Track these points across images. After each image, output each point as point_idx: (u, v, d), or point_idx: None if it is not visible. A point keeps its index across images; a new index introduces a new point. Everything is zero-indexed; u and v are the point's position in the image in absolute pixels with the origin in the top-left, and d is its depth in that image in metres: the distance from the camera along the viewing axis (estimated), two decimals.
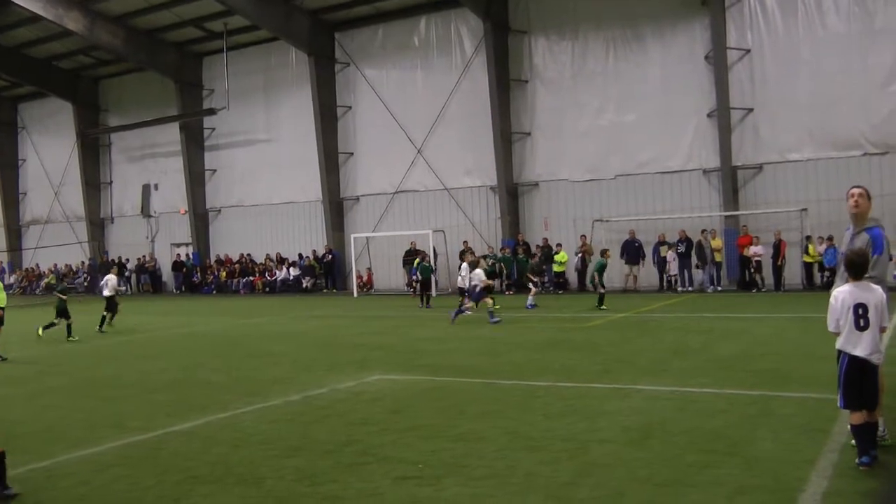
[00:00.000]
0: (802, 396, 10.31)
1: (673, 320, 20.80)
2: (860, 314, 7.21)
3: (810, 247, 27.98)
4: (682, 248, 30.46)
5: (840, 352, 7.40)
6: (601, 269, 24.60)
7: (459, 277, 24.75)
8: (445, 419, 9.92)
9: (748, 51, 29.96)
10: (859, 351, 7.22)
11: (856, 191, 8.09)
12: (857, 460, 7.21)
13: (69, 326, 21.46)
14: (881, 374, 7.55)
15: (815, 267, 28.34)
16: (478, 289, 22.46)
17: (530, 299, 26.02)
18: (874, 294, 7.32)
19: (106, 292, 24.12)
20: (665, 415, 9.65)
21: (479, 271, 23.06)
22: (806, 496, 6.58)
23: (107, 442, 9.38)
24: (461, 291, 24.47)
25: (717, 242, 29.90)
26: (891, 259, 7.81)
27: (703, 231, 30.11)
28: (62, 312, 21.56)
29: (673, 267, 30.52)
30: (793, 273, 28.81)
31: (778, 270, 28.67)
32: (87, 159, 48.41)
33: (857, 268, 7.35)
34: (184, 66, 43.52)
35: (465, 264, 24.41)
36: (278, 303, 32.71)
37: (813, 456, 7.62)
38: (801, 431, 8.56)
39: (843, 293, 7.36)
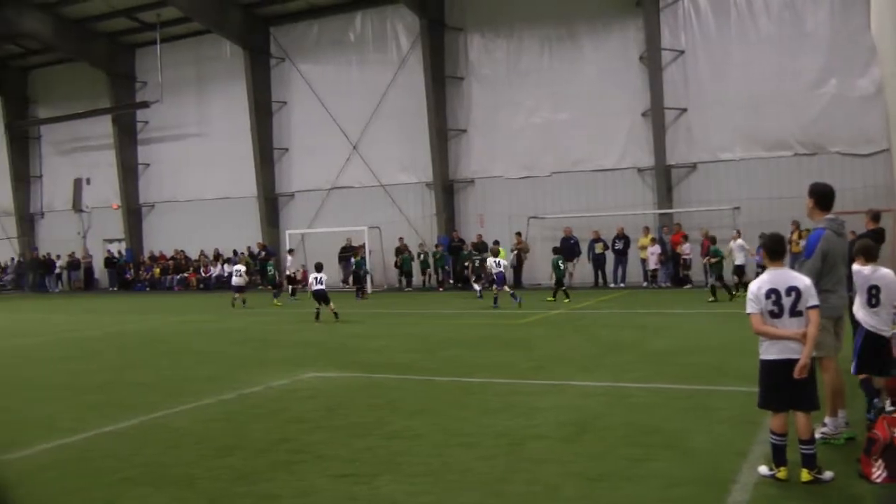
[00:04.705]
0: (734, 390, 10.46)
1: (607, 316, 21.00)
2: (873, 294, 8.05)
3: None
4: (619, 245, 30.82)
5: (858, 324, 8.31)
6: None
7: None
8: (380, 416, 9.89)
9: (682, 52, 30.36)
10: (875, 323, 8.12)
11: None
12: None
13: None
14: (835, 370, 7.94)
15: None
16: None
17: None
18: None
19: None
20: (599, 410, 9.72)
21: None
22: (738, 487, 6.70)
23: (36, 444, 9.13)
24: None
25: (645, 241, 30.26)
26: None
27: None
28: None
29: (652, 261, 30.34)
30: (726, 270, 29.14)
31: (705, 267, 28.91)
32: (16, 152, 47.21)
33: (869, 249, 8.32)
34: (116, 57, 42.71)
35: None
36: (212, 300, 32.30)
37: (745, 447, 7.75)
38: (734, 424, 8.72)
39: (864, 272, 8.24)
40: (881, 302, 8.02)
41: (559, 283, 25.80)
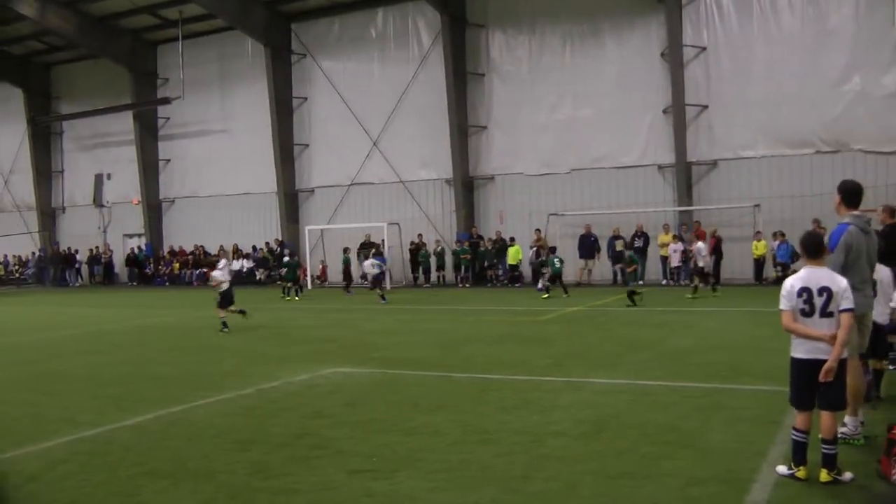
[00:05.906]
0: (754, 389, 10.44)
1: (626, 314, 20.94)
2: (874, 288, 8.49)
3: (755, 243, 28.28)
4: (639, 243, 30.67)
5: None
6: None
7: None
8: (399, 412, 9.91)
9: (704, 48, 30.21)
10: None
11: None
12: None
13: None
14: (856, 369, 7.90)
15: (769, 262, 28.49)
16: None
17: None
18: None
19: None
20: (618, 408, 9.70)
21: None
22: (757, 486, 6.69)
23: (56, 437, 9.23)
24: None
25: (666, 238, 30.09)
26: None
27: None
28: None
29: (675, 259, 29.91)
30: (745, 268, 29.11)
31: (716, 266, 28.49)
32: (38, 147, 47.49)
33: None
34: (138, 54, 42.91)
35: None
36: None
37: (764, 447, 7.73)
38: (753, 423, 8.69)
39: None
40: (876, 294, 8.50)
41: (553, 279, 26.42)
